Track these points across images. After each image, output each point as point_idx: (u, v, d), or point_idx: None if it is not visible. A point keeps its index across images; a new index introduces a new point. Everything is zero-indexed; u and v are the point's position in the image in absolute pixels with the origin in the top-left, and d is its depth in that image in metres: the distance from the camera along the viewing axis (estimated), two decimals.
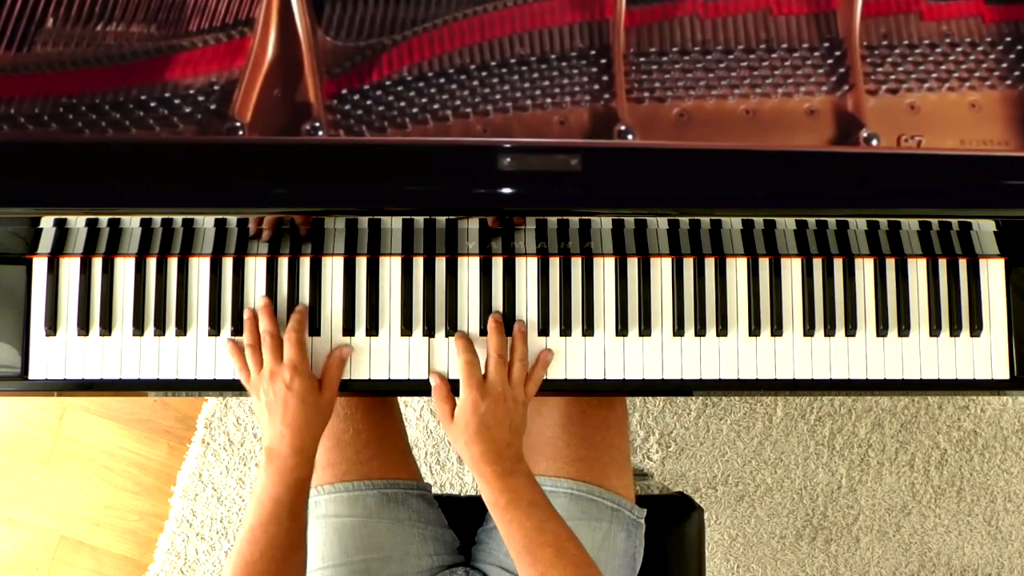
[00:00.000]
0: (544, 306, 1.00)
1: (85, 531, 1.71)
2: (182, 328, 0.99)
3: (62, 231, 0.96)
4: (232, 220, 0.95)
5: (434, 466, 1.72)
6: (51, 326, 0.99)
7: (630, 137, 0.90)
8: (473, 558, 1.10)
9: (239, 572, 0.88)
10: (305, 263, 1.00)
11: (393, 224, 0.96)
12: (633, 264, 1.01)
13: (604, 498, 1.06)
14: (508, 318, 0.99)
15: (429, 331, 0.99)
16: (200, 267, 1.00)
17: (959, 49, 0.93)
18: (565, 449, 1.07)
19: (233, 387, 1.00)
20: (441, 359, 0.99)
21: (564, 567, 0.88)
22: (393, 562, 1.04)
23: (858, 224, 0.97)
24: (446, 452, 1.72)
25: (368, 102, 0.90)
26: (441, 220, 0.96)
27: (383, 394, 1.10)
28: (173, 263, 1.00)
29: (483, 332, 0.99)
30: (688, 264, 1.01)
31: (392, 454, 1.11)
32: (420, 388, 1.00)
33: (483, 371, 0.97)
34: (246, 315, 0.98)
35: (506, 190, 0.88)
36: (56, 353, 0.99)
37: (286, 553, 0.90)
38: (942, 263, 1.02)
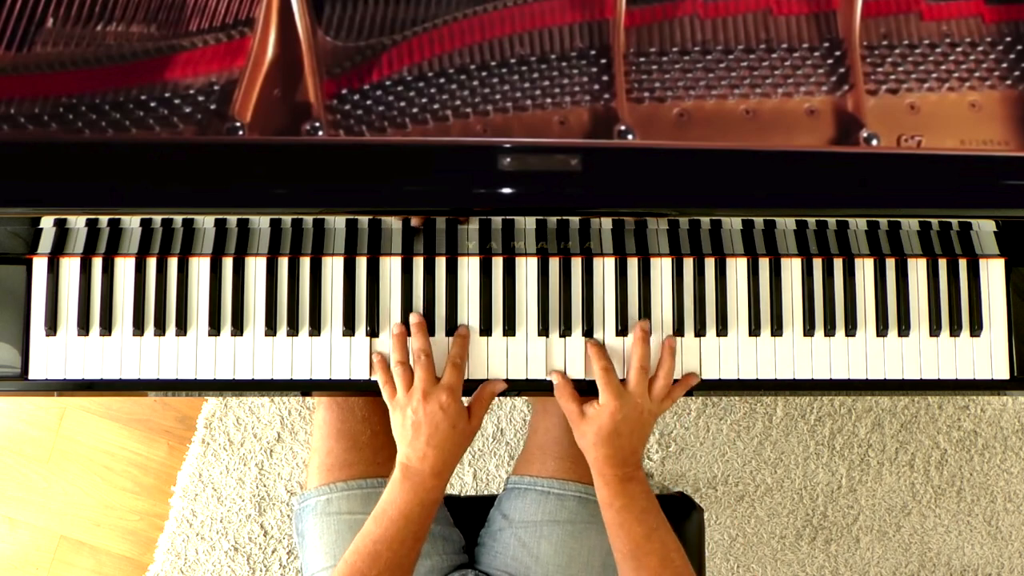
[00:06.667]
0: (544, 306, 1.00)
1: (85, 531, 1.71)
2: (182, 328, 0.99)
3: (62, 231, 0.96)
4: (232, 220, 0.95)
5: None
6: (51, 326, 0.99)
7: (630, 137, 0.90)
8: (476, 560, 1.10)
9: None
10: (305, 263, 1.00)
11: (393, 224, 0.96)
12: (633, 264, 1.01)
13: None
14: (509, 318, 0.99)
15: (430, 331, 0.99)
16: (200, 267, 1.00)
17: (959, 49, 0.93)
18: (570, 448, 1.07)
19: (232, 387, 1.00)
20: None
21: None
22: None
23: (858, 224, 0.97)
24: None
25: (368, 102, 0.90)
26: (441, 220, 0.96)
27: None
28: (173, 263, 1.00)
29: (484, 332, 0.99)
30: (688, 264, 1.01)
31: None
32: None
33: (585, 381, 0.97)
34: (395, 331, 0.98)
35: (506, 190, 0.88)
36: (56, 353, 0.99)
37: (403, 574, 0.92)
38: (942, 263, 1.02)
